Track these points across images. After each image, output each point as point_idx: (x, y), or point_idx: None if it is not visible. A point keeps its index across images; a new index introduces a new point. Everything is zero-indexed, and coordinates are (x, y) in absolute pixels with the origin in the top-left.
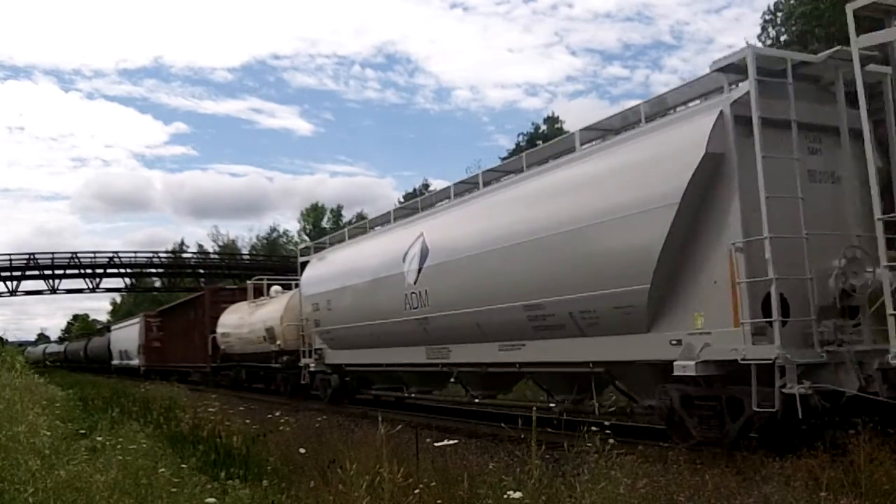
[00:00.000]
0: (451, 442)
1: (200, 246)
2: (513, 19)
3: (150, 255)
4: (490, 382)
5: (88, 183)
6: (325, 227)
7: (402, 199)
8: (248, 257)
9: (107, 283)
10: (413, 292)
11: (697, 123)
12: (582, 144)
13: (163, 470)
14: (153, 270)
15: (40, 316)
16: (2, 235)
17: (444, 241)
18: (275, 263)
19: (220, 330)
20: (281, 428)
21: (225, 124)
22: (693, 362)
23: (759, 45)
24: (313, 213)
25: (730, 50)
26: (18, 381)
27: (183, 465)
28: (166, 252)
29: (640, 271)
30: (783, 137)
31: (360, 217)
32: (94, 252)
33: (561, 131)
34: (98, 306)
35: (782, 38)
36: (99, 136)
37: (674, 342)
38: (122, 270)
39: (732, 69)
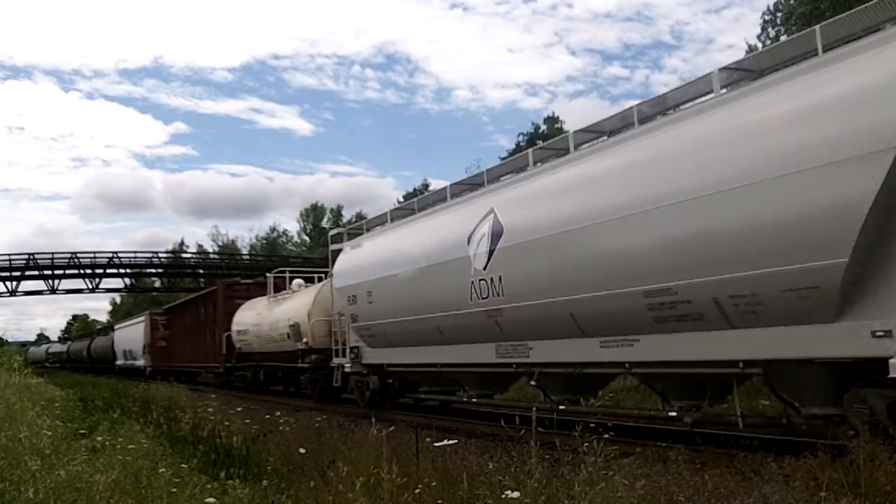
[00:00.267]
0: (452, 442)
1: (200, 246)
2: (513, 19)
3: (150, 255)
4: (577, 385)
5: (88, 183)
6: (325, 226)
7: (401, 199)
8: (247, 257)
9: (106, 283)
10: (482, 279)
11: None
12: (723, 87)
13: (163, 470)
14: (153, 270)
15: (40, 316)
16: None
17: (525, 218)
18: (275, 263)
19: (235, 327)
20: (281, 428)
21: (225, 124)
22: None
23: (759, 45)
24: (313, 213)
25: (730, 50)
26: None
27: (183, 465)
28: (166, 252)
29: (835, 241)
30: None
31: (360, 217)
32: (94, 252)
33: (561, 131)
34: (98, 306)
35: (782, 39)
36: (99, 136)
37: (880, 334)
38: (122, 270)
39: None
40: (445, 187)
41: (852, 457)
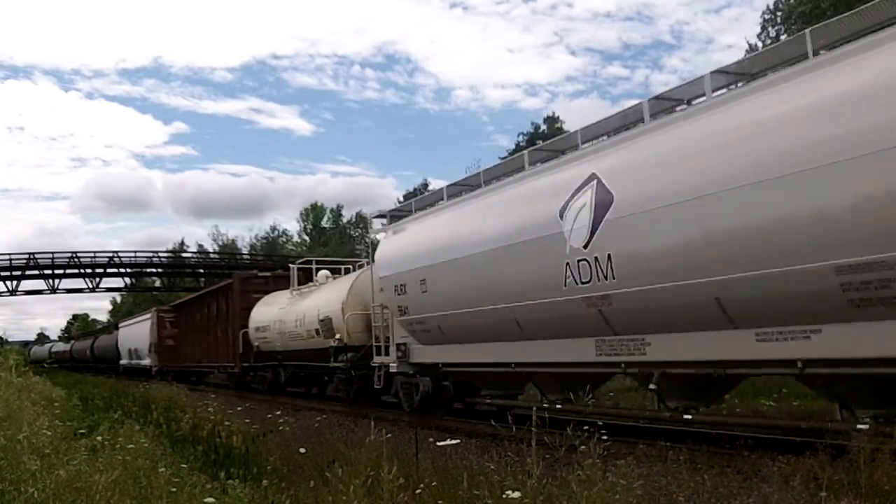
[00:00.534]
0: (453, 442)
1: (200, 246)
2: (512, 19)
3: (150, 254)
4: (704, 389)
5: (89, 183)
6: (325, 226)
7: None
8: (247, 257)
9: (106, 282)
10: (582, 260)
11: None
12: None
13: (162, 470)
14: (153, 270)
15: (40, 316)
16: (2, 235)
17: (643, 182)
18: (275, 263)
19: (253, 324)
20: (281, 428)
21: (225, 124)
22: None
23: (759, 44)
24: (313, 213)
25: (730, 50)
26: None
27: (183, 465)
28: (166, 252)
29: None
30: None
31: (360, 217)
32: (94, 252)
33: (561, 131)
34: (98, 306)
35: (782, 38)
36: (99, 136)
37: None
38: (122, 270)
39: None
40: (522, 155)
41: (852, 457)
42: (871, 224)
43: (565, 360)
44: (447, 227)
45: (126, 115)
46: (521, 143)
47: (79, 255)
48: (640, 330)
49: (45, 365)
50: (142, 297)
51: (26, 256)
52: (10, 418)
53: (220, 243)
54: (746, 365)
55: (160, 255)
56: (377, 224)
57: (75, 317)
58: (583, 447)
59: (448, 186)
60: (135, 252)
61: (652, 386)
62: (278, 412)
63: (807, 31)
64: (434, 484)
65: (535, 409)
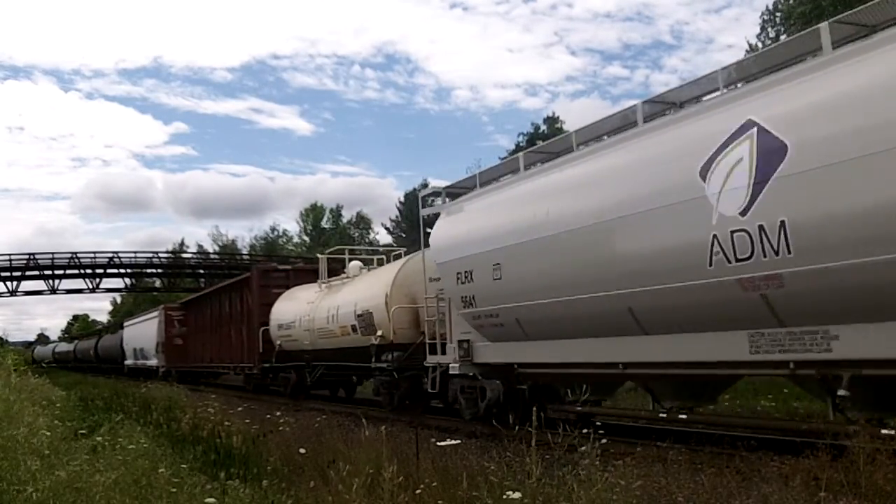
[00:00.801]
0: (453, 442)
1: (200, 246)
2: (512, 19)
3: (150, 255)
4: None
5: (89, 183)
6: (325, 227)
7: (401, 200)
8: (247, 257)
9: (107, 283)
10: (738, 230)
11: None
12: None
13: (162, 470)
14: (153, 270)
15: (40, 316)
16: (2, 235)
17: (835, 124)
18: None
19: (275, 321)
20: (281, 428)
21: (225, 124)
22: None
23: (759, 44)
24: (312, 213)
25: (730, 50)
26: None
27: (183, 466)
28: (166, 252)
29: None
30: None
31: (360, 216)
32: (94, 252)
33: (561, 131)
34: (98, 306)
35: (782, 38)
36: (99, 136)
37: None
38: (122, 270)
39: None
40: (635, 106)
41: (852, 457)
42: None
43: (701, 359)
44: (528, 202)
45: (126, 115)
46: (520, 144)
47: (79, 255)
48: (825, 319)
49: (44, 365)
50: (142, 297)
51: (26, 257)
52: (9, 419)
53: (220, 244)
54: None
55: (160, 255)
56: (437, 202)
57: (75, 317)
58: (583, 447)
59: (525, 154)
60: (135, 252)
61: (841, 392)
62: (278, 413)
63: None
64: (434, 484)
65: (534, 408)
